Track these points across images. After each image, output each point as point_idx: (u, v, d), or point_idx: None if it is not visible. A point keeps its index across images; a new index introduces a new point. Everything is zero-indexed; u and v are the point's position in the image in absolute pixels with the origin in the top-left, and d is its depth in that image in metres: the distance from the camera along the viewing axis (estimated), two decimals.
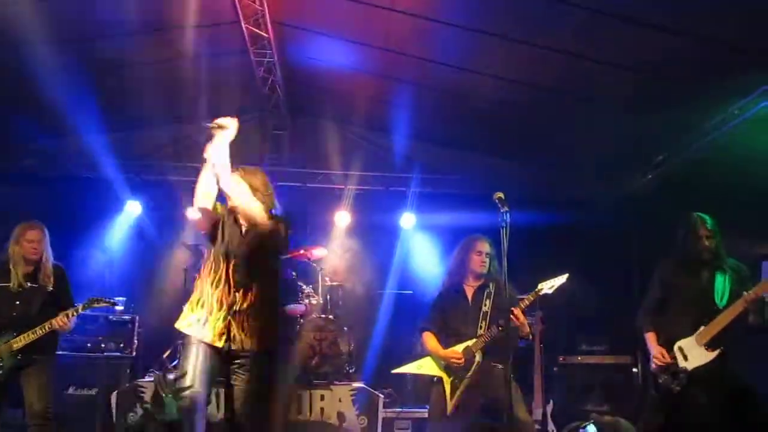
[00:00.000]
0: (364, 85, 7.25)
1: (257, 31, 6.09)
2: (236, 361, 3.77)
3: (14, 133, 7.68)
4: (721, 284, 4.55)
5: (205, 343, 3.71)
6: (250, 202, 3.91)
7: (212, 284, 3.82)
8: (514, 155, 8.24)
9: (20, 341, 4.79)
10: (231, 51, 6.64)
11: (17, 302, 4.90)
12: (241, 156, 8.03)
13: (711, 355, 4.35)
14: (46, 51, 5.87)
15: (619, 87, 5.99)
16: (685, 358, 4.42)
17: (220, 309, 3.77)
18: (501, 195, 4.19)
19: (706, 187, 6.35)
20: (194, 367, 3.65)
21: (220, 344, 3.70)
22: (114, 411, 6.31)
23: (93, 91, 6.79)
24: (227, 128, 4.04)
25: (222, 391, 3.99)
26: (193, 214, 4.09)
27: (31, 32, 5.43)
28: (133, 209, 8.37)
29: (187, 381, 3.59)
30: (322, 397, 6.57)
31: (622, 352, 6.97)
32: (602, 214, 8.10)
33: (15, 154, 7.99)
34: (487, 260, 4.99)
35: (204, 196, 3.99)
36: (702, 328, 4.41)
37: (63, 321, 4.88)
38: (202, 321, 3.76)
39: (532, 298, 4.71)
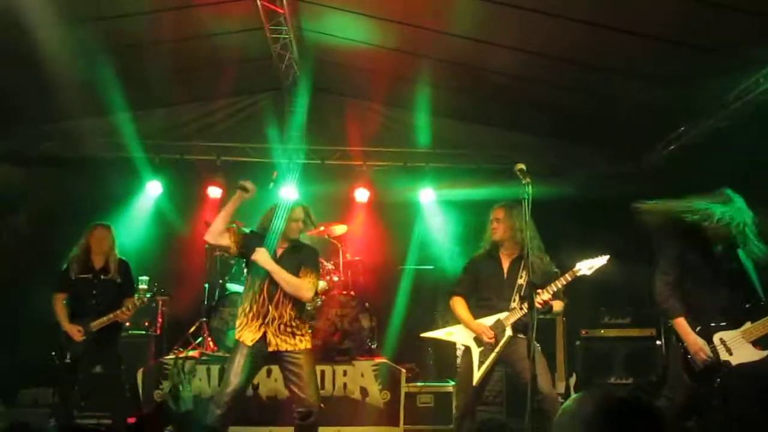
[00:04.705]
0: (382, 60, 7.17)
1: (273, 7, 6.04)
2: (282, 361, 4.74)
3: (34, 115, 7.73)
4: (746, 261, 4.38)
5: (245, 344, 4.67)
6: (297, 287, 4.76)
7: (250, 299, 4.76)
8: (532, 128, 8.15)
9: (97, 324, 5.78)
10: (247, 28, 6.60)
11: (94, 291, 5.89)
12: (259, 134, 8.15)
13: (761, 354, 4.18)
14: (64, 32, 5.87)
15: (639, 57, 5.87)
16: (729, 351, 4.21)
17: (256, 319, 4.71)
18: (522, 166, 4.14)
19: (729, 158, 6.25)
20: (234, 366, 4.62)
21: (251, 344, 4.65)
22: (140, 388, 6.43)
23: (111, 71, 6.81)
24: (248, 192, 4.89)
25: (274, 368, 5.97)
26: (213, 240, 4.83)
27: (50, 12, 5.43)
28: (153, 189, 8.43)
29: (231, 379, 4.59)
30: (345, 373, 6.64)
31: (645, 325, 6.92)
32: (622, 186, 8.01)
33: (35, 137, 8.04)
34: (499, 227, 4.93)
35: (220, 234, 4.80)
36: (749, 324, 4.23)
37: (126, 314, 5.89)
38: (243, 327, 4.75)
39: (569, 278, 4.59)
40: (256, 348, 4.65)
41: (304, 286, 4.76)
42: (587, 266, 4.59)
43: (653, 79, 6.21)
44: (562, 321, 6.98)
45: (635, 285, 7.09)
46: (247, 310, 4.76)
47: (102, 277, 5.95)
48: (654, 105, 6.67)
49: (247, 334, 4.68)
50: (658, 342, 6.89)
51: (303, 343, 4.77)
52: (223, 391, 4.61)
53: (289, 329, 4.72)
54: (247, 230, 5.05)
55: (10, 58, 6.18)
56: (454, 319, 5.12)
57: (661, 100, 6.53)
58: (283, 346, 4.68)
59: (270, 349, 4.67)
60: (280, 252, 4.87)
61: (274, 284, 4.72)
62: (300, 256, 4.90)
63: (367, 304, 7.24)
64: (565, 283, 4.61)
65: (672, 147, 7.46)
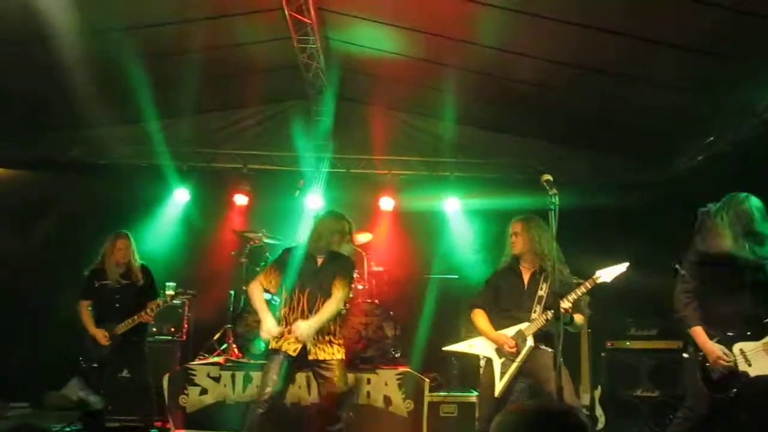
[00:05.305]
0: (408, 69, 7.20)
1: (300, 17, 6.09)
2: (316, 367, 4.89)
3: (64, 122, 7.87)
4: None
5: (285, 353, 4.81)
6: (334, 311, 4.93)
7: (288, 311, 4.92)
8: (557, 137, 8.13)
9: (121, 328, 5.94)
10: (274, 38, 6.67)
11: (117, 296, 6.06)
12: (286, 143, 8.21)
13: None
14: (95, 40, 5.98)
15: (668, 66, 5.83)
16: (748, 362, 4.18)
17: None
18: (549, 177, 4.13)
19: (757, 168, 6.17)
20: (273, 371, 4.77)
21: (294, 354, 4.79)
22: (166, 393, 6.49)
23: (141, 80, 6.92)
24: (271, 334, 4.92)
25: (310, 375, 5.73)
26: None
27: (81, 22, 5.52)
28: (181, 196, 8.53)
29: (269, 381, 4.73)
30: (369, 381, 6.63)
31: (672, 337, 6.82)
32: (649, 195, 7.94)
33: (63, 144, 8.17)
34: (518, 240, 4.93)
35: None
36: None
37: (149, 316, 6.06)
38: (281, 337, 4.87)
39: (589, 286, 4.56)
40: (298, 357, 4.81)
41: (337, 306, 4.95)
42: (607, 273, 4.56)
43: (681, 89, 6.16)
44: (586, 332, 6.92)
45: (662, 296, 7.03)
46: (286, 321, 4.90)
47: (124, 282, 6.11)
48: (682, 114, 6.62)
49: (288, 344, 4.81)
50: (685, 354, 6.77)
51: (339, 353, 4.94)
52: (262, 391, 4.77)
53: (327, 338, 4.89)
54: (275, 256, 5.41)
55: (41, 67, 6.30)
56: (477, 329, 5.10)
57: (689, 109, 6.47)
58: (322, 356, 4.84)
59: (310, 358, 4.82)
60: (320, 263, 5.03)
61: (312, 297, 4.88)
62: (335, 266, 5.03)
63: (391, 312, 7.23)
64: (585, 290, 4.58)
65: (700, 157, 7.37)
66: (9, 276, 8.23)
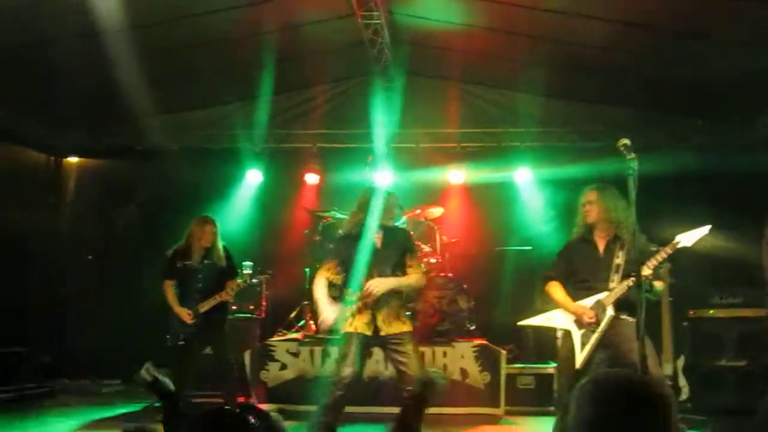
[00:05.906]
0: (473, 40, 7.10)
1: None
2: (389, 344, 4.81)
3: (141, 110, 8.10)
4: None
5: (359, 334, 4.77)
6: (415, 285, 5.11)
7: (357, 293, 4.83)
8: (630, 102, 7.87)
9: (204, 306, 6.10)
10: (339, 15, 6.68)
11: (199, 275, 6.21)
12: (353, 120, 8.25)
13: None
14: (162, 28, 6.11)
15: (746, 23, 5.54)
16: None
17: (366, 309, 4.81)
18: (626, 142, 3.98)
19: None
20: (350, 355, 4.72)
21: (370, 333, 4.76)
22: (248, 368, 6.69)
23: (207, 66, 7.05)
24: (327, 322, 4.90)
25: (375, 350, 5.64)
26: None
27: (147, 11, 5.65)
28: (253, 178, 8.70)
29: (348, 365, 4.68)
30: (445, 354, 6.67)
31: (758, 305, 6.57)
32: (727, 158, 7.64)
33: (140, 131, 8.42)
34: (593, 209, 4.80)
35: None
36: None
37: (229, 295, 6.26)
38: (352, 317, 4.84)
39: (669, 251, 4.39)
40: (371, 335, 4.79)
41: (420, 281, 5.09)
42: (687, 238, 4.39)
43: (761, 47, 5.85)
44: (668, 301, 6.74)
45: (747, 263, 6.77)
46: (355, 302, 4.88)
47: (206, 262, 6.24)
48: (760, 74, 6.29)
49: (359, 323, 4.80)
50: None
51: (406, 325, 4.89)
52: (342, 375, 4.72)
53: (394, 313, 4.86)
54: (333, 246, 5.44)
55: (115, 58, 6.44)
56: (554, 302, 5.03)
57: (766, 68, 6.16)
58: (391, 330, 4.81)
59: (381, 334, 4.80)
60: (379, 241, 4.95)
61: (377, 278, 4.82)
62: (399, 241, 5.00)
63: (465, 285, 7.23)
64: (665, 256, 4.42)
65: None
66: (98, 260, 8.64)
